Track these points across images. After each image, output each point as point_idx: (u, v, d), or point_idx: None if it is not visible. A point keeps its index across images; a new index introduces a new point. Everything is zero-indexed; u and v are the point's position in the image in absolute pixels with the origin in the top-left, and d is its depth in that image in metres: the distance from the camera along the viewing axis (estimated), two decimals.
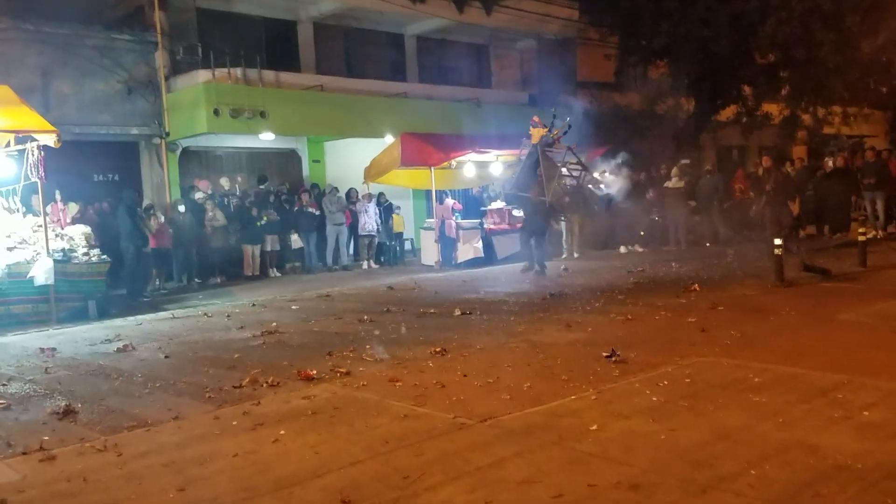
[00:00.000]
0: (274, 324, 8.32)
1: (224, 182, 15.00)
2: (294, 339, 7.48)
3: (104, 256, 10.13)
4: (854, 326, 6.69)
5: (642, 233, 15.17)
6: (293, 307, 9.89)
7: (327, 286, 12.04)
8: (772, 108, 18.99)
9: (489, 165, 15.47)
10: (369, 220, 15.03)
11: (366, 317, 8.45)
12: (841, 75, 16.97)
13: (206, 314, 9.62)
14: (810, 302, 7.92)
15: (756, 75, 17.88)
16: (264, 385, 5.48)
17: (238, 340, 7.55)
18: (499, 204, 15.29)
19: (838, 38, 15.85)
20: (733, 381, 4.98)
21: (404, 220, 16.68)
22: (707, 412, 4.35)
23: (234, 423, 4.61)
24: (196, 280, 13.50)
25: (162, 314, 9.96)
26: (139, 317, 9.74)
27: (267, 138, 14.99)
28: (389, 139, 15.30)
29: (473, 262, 13.87)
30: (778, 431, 3.97)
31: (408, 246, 17.12)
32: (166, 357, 6.88)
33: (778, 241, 8.91)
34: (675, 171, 15.36)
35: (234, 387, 5.48)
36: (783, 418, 4.16)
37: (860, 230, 10.43)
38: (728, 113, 19.19)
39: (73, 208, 12.38)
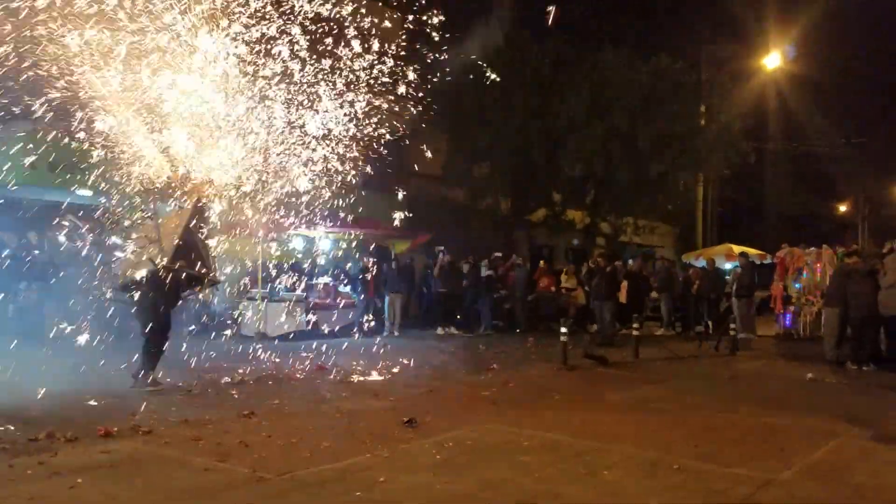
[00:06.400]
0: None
1: (32, 237, 14.15)
2: (96, 399, 7.31)
3: None
4: (615, 405, 7.83)
5: (458, 316, 16.16)
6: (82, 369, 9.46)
7: None
8: (576, 215, 21.28)
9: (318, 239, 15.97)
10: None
11: (181, 383, 8.36)
12: (633, 191, 19.57)
13: None
14: (586, 384, 9.09)
15: (564, 184, 20.07)
16: (62, 439, 5.44)
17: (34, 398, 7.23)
18: (325, 278, 15.69)
19: (631, 158, 18.36)
20: (507, 444, 5.74)
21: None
22: (479, 468, 5.03)
23: (30, 472, 4.61)
24: None
25: None
26: None
27: (85, 194, 14.41)
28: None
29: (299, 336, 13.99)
30: (533, 484, 4.72)
31: None
32: None
33: (564, 329, 10.12)
34: (485, 262, 16.72)
35: (30, 440, 5.39)
36: (539, 474, 4.93)
37: (633, 325, 12.05)
38: (539, 214, 21.20)
39: None
